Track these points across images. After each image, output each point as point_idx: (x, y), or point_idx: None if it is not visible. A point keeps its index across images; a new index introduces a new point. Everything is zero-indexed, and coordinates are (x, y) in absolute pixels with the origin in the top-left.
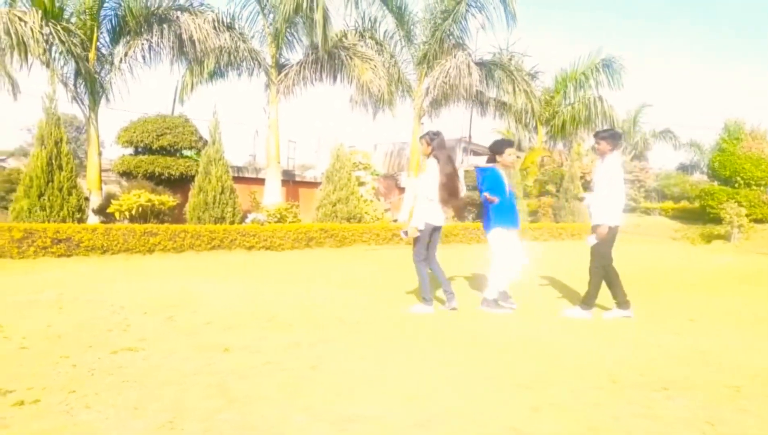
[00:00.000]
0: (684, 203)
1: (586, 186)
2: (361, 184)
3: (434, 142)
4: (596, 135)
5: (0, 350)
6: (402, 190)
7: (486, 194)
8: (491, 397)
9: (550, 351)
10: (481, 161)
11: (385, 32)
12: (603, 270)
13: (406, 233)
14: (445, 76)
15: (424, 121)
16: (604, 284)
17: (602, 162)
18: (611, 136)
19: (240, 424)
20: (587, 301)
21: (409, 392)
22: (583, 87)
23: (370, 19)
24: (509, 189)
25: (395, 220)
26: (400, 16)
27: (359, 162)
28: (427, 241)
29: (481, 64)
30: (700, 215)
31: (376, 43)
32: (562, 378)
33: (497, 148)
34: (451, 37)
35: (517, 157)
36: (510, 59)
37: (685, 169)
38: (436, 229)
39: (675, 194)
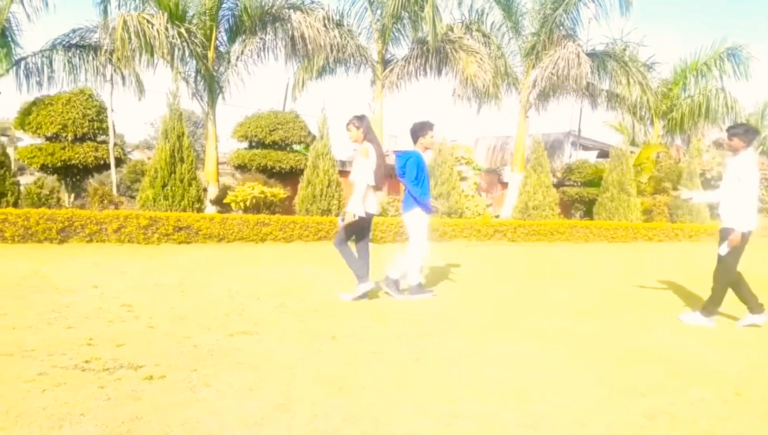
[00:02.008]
0: None
1: (707, 184)
2: (462, 178)
3: (363, 125)
4: (728, 130)
5: (131, 328)
6: (504, 185)
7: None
8: (602, 401)
9: (667, 358)
10: (591, 156)
11: (492, 24)
12: (729, 276)
13: (343, 220)
14: (554, 68)
15: (530, 114)
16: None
17: (734, 159)
18: (745, 133)
19: (348, 412)
20: (709, 307)
21: (514, 391)
22: (705, 78)
23: (477, 12)
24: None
25: (497, 216)
26: (508, 7)
27: (461, 157)
28: (359, 229)
29: (592, 55)
30: None
31: (483, 35)
32: (679, 386)
33: (419, 131)
34: (561, 28)
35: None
36: (624, 49)
37: None
38: (371, 217)
39: None
